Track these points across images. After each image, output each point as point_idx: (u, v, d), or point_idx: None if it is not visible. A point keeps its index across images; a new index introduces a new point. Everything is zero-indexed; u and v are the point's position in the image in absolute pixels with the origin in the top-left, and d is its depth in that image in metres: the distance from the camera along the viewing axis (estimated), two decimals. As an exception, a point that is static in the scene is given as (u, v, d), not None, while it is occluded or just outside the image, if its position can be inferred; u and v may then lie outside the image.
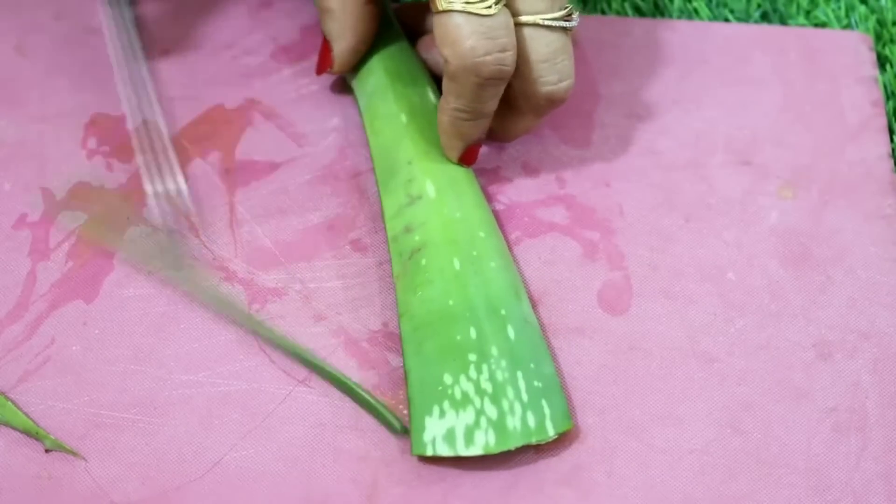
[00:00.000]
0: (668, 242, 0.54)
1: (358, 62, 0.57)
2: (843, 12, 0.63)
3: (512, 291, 0.50)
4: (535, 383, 0.48)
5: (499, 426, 0.47)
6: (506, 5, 0.50)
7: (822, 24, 0.63)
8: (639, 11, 0.64)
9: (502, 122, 0.54)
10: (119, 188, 0.55)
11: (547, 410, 0.48)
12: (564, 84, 0.52)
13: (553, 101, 0.52)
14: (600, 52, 0.61)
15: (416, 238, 0.52)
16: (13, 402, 0.49)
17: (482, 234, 0.52)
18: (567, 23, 0.51)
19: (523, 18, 0.50)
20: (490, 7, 0.48)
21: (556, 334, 0.51)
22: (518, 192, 0.56)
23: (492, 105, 0.51)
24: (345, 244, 0.54)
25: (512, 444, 0.47)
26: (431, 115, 0.55)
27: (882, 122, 0.58)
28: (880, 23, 0.63)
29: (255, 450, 0.48)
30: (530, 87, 0.52)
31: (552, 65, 0.51)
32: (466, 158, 0.54)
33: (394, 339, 0.51)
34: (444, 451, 0.47)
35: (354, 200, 0.55)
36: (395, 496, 0.47)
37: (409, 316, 0.50)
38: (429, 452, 0.47)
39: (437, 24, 0.49)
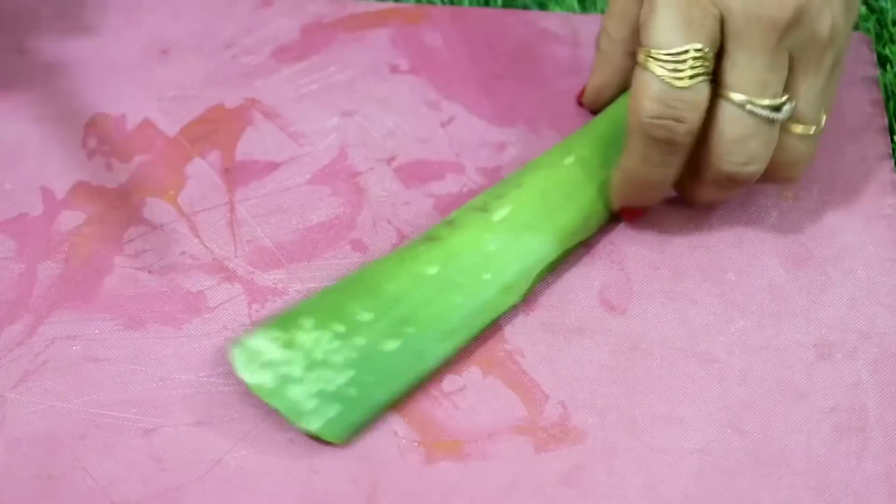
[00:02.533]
0: (668, 242, 0.54)
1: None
2: (843, 12, 0.63)
3: (443, 331, 0.50)
4: (352, 392, 0.48)
5: (284, 381, 0.48)
6: (713, 80, 0.49)
7: (823, 24, 0.63)
8: (639, 11, 0.64)
9: (689, 186, 0.53)
10: (119, 188, 0.55)
11: (330, 413, 0.48)
12: (750, 168, 0.50)
13: (735, 181, 0.51)
14: (600, 52, 0.61)
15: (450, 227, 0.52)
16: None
17: (487, 277, 0.51)
18: (774, 114, 0.49)
19: (729, 94, 0.49)
20: (683, 80, 0.48)
21: (557, 334, 0.51)
22: (518, 191, 0.56)
23: (659, 175, 0.50)
24: (345, 244, 0.54)
25: (273, 402, 0.48)
26: None
27: (882, 122, 0.58)
28: (880, 23, 0.62)
29: (255, 450, 0.48)
30: (715, 160, 0.50)
31: (742, 146, 0.49)
32: (626, 214, 0.54)
33: (394, 339, 0.51)
34: (234, 356, 0.48)
35: (354, 200, 0.55)
36: (395, 496, 0.47)
37: (369, 265, 0.52)
38: (232, 347, 0.49)
39: (634, 75, 0.49)
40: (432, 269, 0.51)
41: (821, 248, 0.54)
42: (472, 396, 0.50)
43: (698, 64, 0.48)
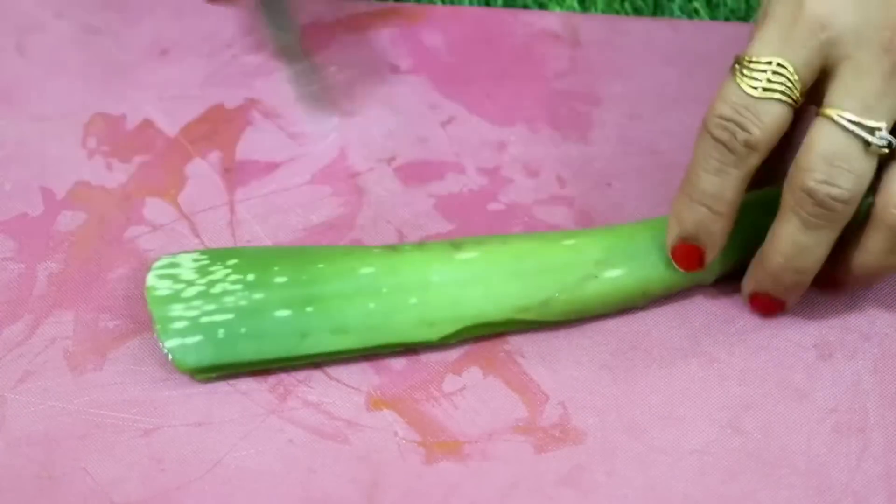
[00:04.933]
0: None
1: None
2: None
3: (338, 326, 0.50)
4: (220, 333, 0.49)
5: (174, 296, 0.50)
6: (812, 101, 0.48)
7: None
8: (638, 12, 0.64)
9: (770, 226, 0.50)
10: (119, 188, 0.55)
11: (189, 340, 0.49)
12: (833, 190, 0.47)
13: (814, 199, 0.47)
14: (600, 52, 0.61)
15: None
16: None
17: (413, 301, 0.51)
18: (868, 135, 0.46)
19: (826, 111, 0.47)
20: (756, 90, 0.47)
21: (557, 334, 0.51)
22: (518, 192, 0.56)
23: (714, 186, 0.48)
24: (345, 244, 0.54)
25: (152, 308, 0.50)
26: None
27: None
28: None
29: (255, 450, 0.48)
30: (796, 172, 0.47)
31: (828, 163, 0.46)
32: (678, 254, 0.50)
33: (394, 339, 0.51)
34: (163, 257, 0.51)
35: (354, 200, 0.55)
36: (395, 496, 0.47)
37: (330, 246, 0.53)
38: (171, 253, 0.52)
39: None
40: (367, 270, 0.51)
41: (821, 249, 0.54)
42: (472, 397, 0.50)
43: (777, 79, 0.47)
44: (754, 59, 0.47)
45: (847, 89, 0.47)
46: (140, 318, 0.51)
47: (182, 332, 0.49)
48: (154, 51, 0.60)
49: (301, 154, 0.57)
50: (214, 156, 0.57)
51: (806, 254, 0.48)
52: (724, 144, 0.48)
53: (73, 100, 0.58)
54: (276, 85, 0.59)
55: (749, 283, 0.51)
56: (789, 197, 0.48)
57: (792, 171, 0.48)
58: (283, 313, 0.50)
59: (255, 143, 0.57)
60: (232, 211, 0.55)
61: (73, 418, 0.49)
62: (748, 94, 0.47)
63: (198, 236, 0.54)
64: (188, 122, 0.58)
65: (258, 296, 0.50)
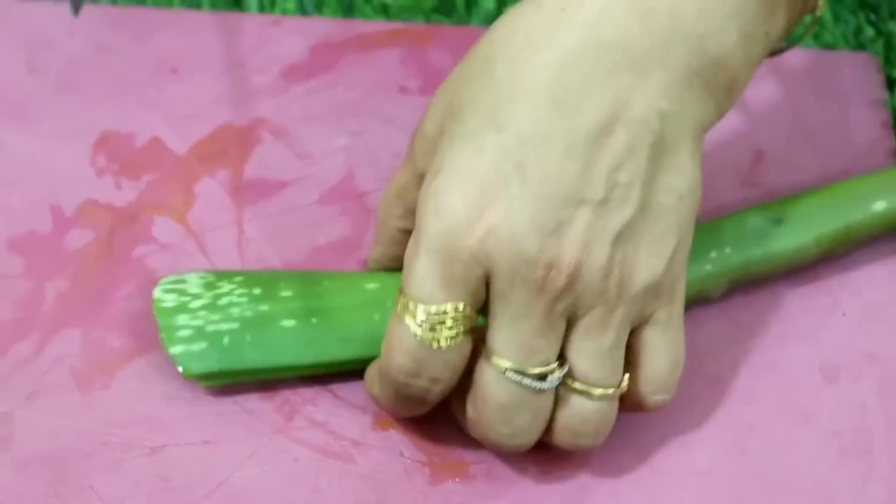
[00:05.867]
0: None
1: None
2: (850, 34, 0.63)
3: (345, 337, 0.50)
4: (225, 341, 0.49)
5: (180, 307, 0.50)
6: (479, 339, 0.46)
7: (831, 46, 0.63)
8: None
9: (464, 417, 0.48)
10: (128, 206, 0.56)
11: (195, 347, 0.49)
12: (515, 441, 0.46)
13: (500, 447, 0.47)
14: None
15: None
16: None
17: None
18: (539, 383, 0.44)
19: (493, 360, 0.45)
20: (441, 341, 0.44)
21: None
22: (525, 212, 0.56)
23: (414, 411, 0.48)
24: (353, 264, 0.54)
25: (159, 319, 0.50)
26: None
27: (890, 144, 0.58)
28: (888, 45, 0.63)
29: (261, 469, 0.48)
30: (478, 421, 0.46)
31: (506, 415, 0.45)
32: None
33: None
34: (170, 275, 0.52)
35: (362, 220, 0.56)
36: (401, 516, 0.47)
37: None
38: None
39: (390, 321, 0.46)
40: (373, 285, 0.51)
41: (827, 270, 0.54)
42: (477, 417, 0.50)
43: (457, 324, 0.44)
44: (429, 308, 0.44)
45: (507, 335, 0.44)
46: (147, 336, 0.52)
47: (187, 340, 0.49)
48: (163, 69, 0.61)
49: (309, 173, 0.57)
50: (223, 175, 0.57)
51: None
52: (418, 397, 0.46)
53: (82, 117, 0.59)
54: (284, 104, 0.59)
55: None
56: (475, 434, 0.47)
57: (473, 415, 0.46)
58: (288, 323, 0.50)
59: (263, 163, 0.57)
60: (240, 230, 0.55)
61: (80, 436, 0.49)
62: (433, 349, 0.44)
63: (206, 255, 0.54)
64: (197, 140, 0.58)
65: (264, 307, 0.50)
